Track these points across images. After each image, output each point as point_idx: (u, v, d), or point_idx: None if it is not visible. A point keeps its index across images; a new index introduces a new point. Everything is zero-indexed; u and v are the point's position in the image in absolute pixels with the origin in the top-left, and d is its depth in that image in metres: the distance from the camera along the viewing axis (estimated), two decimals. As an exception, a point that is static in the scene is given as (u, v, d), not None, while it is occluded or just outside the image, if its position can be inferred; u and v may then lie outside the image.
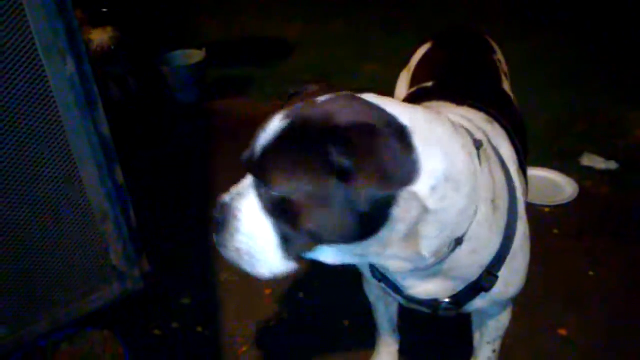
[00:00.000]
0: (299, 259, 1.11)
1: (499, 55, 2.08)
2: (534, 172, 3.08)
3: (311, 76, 4.35)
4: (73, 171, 2.04)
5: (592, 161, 3.15)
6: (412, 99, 1.75)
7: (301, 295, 2.43)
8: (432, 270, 1.22)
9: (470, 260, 1.24)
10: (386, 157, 0.96)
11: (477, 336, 1.71)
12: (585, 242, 2.60)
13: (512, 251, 1.29)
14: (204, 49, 4.24)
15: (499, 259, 1.28)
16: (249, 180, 1.11)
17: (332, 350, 2.16)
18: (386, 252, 1.11)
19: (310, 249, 1.09)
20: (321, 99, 1.07)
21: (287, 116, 1.05)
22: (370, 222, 1.02)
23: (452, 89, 1.72)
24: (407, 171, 0.99)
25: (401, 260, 1.14)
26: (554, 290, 2.33)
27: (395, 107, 1.06)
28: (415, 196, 1.02)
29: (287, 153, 1.01)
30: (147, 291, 2.49)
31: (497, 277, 1.29)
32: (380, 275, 1.40)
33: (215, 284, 2.52)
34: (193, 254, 2.74)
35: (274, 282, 2.47)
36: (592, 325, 2.16)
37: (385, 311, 1.88)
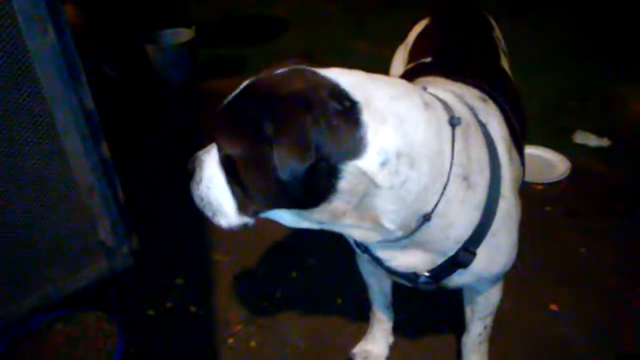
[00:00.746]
0: (253, 215, 1.16)
1: (497, 33, 2.07)
2: (526, 150, 3.05)
3: (300, 54, 4.31)
4: (57, 144, 2.02)
5: (585, 138, 3.16)
6: (410, 74, 1.74)
7: (294, 274, 2.44)
8: (404, 242, 1.24)
9: (444, 235, 1.25)
10: (310, 130, 0.99)
11: (468, 312, 1.73)
12: (578, 219, 2.62)
13: (492, 229, 1.29)
14: (193, 27, 4.17)
15: (478, 236, 1.27)
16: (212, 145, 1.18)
17: (325, 328, 2.17)
18: (343, 221, 1.15)
19: (260, 209, 1.14)
20: (279, 70, 1.12)
21: (245, 84, 1.13)
22: (311, 191, 1.06)
23: (450, 65, 1.71)
24: (350, 146, 1.03)
25: (364, 230, 1.18)
26: (546, 267, 2.35)
27: (353, 83, 1.08)
28: (360, 171, 1.05)
29: (230, 117, 1.09)
30: (139, 270, 2.49)
31: (474, 254, 1.29)
32: (363, 246, 1.40)
33: (208, 264, 2.52)
34: (186, 234, 2.73)
35: (267, 261, 2.51)
36: (583, 301, 2.18)
37: (378, 287, 1.88)
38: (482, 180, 1.25)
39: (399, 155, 1.07)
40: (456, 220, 1.23)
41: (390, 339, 2.05)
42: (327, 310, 2.25)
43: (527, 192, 2.77)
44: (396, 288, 1.91)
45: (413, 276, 1.37)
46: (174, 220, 2.83)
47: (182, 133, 3.67)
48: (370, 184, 1.08)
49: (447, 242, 1.27)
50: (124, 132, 3.70)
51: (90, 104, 2.05)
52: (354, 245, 1.50)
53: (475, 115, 1.32)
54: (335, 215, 1.13)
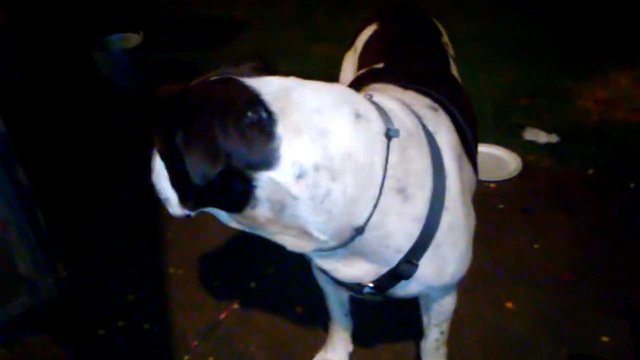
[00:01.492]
0: (192, 209, 1.18)
1: (445, 38, 2.07)
2: (478, 148, 3.11)
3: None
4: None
5: (535, 135, 3.22)
6: (362, 80, 1.73)
7: (252, 284, 2.39)
8: (342, 252, 1.23)
9: (382, 245, 1.23)
10: (218, 139, 1.01)
11: (425, 318, 1.72)
12: (530, 216, 2.66)
13: (436, 241, 1.27)
14: (141, 32, 4.05)
15: (418, 248, 1.26)
16: None
17: (285, 339, 2.14)
18: (269, 228, 1.16)
19: (194, 205, 1.17)
20: (212, 77, 1.15)
21: (178, 90, 1.15)
22: (232, 196, 1.10)
23: (401, 72, 1.70)
24: (263, 156, 1.04)
25: (294, 238, 1.18)
26: (501, 265, 2.38)
27: (276, 93, 1.08)
28: (274, 181, 1.06)
29: (158, 119, 1.12)
30: (85, 290, 2.38)
31: (416, 266, 1.28)
32: (308, 255, 1.37)
33: (162, 278, 2.44)
34: (135, 248, 2.64)
35: (224, 273, 2.45)
36: (538, 298, 2.21)
37: (335, 296, 1.86)
38: (421, 193, 1.23)
39: (317, 168, 1.06)
40: (394, 232, 1.22)
41: (350, 347, 2.03)
42: (287, 320, 2.21)
43: (480, 190, 2.77)
44: (353, 297, 1.89)
45: (358, 287, 1.35)
46: (125, 236, 2.73)
47: (131, 143, 3.56)
48: (287, 194, 1.08)
49: (388, 252, 1.25)
50: (62, 145, 3.57)
51: (0, 127, 1.90)
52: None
53: (423, 125, 1.30)
54: (260, 221, 1.14)
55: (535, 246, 2.47)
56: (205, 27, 5.15)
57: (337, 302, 1.89)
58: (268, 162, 1.04)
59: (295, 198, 1.08)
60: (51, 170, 2.81)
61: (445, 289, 1.51)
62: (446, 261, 1.34)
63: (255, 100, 1.06)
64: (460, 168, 1.36)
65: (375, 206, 1.15)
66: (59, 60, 4.26)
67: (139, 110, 3.93)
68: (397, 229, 1.22)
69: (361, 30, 2.09)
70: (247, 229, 1.22)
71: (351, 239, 1.18)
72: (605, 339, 2.02)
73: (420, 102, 1.42)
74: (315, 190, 1.08)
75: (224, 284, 2.40)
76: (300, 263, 1.60)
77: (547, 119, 3.35)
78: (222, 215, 1.20)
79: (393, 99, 1.30)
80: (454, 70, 1.94)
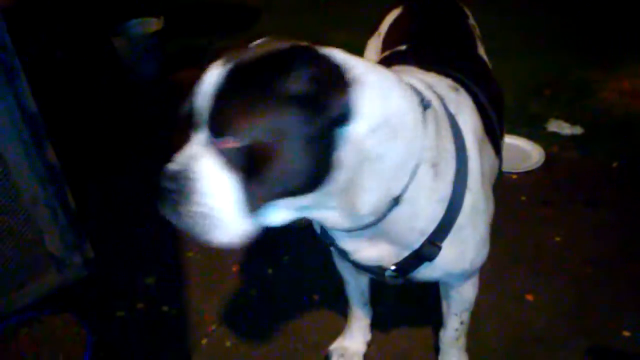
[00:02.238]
0: (255, 217, 1.07)
1: (472, 20, 2.04)
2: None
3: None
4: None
5: (558, 127, 3.17)
6: (385, 62, 1.71)
7: (270, 271, 2.39)
8: (370, 232, 1.21)
9: (409, 225, 1.23)
10: (338, 79, 0.98)
11: (444, 307, 1.71)
12: (552, 208, 2.62)
13: (458, 223, 1.26)
14: (162, 17, 4.04)
15: (443, 229, 1.25)
16: (198, 139, 1.04)
17: (302, 325, 2.13)
18: (328, 202, 1.11)
19: (266, 201, 1.05)
20: (255, 43, 1.09)
21: (226, 63, 1.03)
22: (323, 162, 1.03)
23: (424, 53, 1.68)
24: (343, 106, 0.99)
25: (339, 214, 1.14)
26: (522, 257, 2.35)
27: (338, 54, 1.07)
28: (355, 136, 1.03)
29: (241, 95, 0.99)
30: (107, 271, 2.40)
31: (439, 248, 1.27)
32: (330, 239, 1.37)
33: (181, 262, 2.46)
34: (158, 232, 2.65)
35: (242, 258, 2.45)
36: (559, 291, 2.18)
37: (355, 284, 1.85)
38: (448, 171, 1.23)
39: (386, 123, 1.07)
40: (422, 210, 1.21)
41: (368, 336, 2.02)
42: (304, 307, 2.21)
43: (502, 182, 2.76)
44: (373, 284, 1.88)
45: (379, 270, 1.34)
46: (146, 219, 2.75)
47: (150, 128, 3.57)
48: (360, 154, 1.05)
49: (412, 234, 1.25)
50: (87, 129, 3.60)
51: (31, 104, 1.90)
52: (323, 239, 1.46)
53: (445, 106, 1.29)
54: (326, 196, 1.09)
55: (557, 239, 2.43)
56: (223, 13, 5.14)
57: (356, 291, 1.88)
58: (349, 112, 1.01)
59: (366, 158, 1.06)
60: (72, 154, 2.83)
61: (464, 276, 1.50)
62: (466, 245, 1.33)
63: (333, 56, 1.04)
64: (481, 150, 1.35)
65: (412, 175, 1.15)
66: (79, 45, 4.28)
67: (158, 95, 3.95)
68: (425, 208, 1.21)
69: (386, 14, 2.07)
70: (295, 214, 1.14)
71: (384, 215, 1.16)
72: (626, 333, 1.99)
73: (441, 83, 1.40)
74: (379, 147, 1.07)
75: (241, 270, 2.41)
76: (317, 251, 1.59)
77: (570, 110, 3.29)
78: (279, 207, 1.09)
79: (416, 79, 1.29)
80: (481, 51, 1.91)
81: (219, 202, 1.03)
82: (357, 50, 2.28)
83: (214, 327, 2.15)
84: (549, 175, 2.84)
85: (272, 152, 0.98)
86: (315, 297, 2.25)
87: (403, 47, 1.78)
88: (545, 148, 2.99)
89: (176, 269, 2.43)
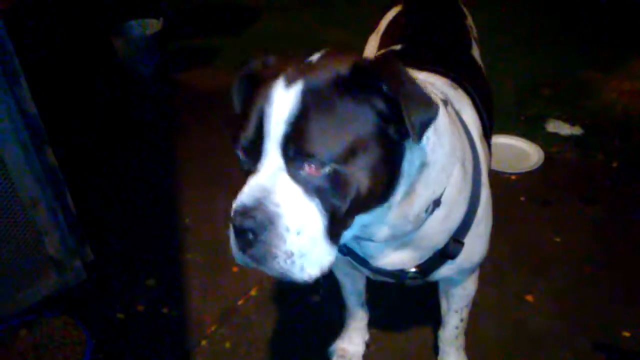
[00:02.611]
0: (338, 243, 1.03)
1: (470, 21, 2.04)
2: (500, 139, 3.08)
3: (276, 43, 4.23)
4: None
5: (557, 127, 3.17)
6: None
7: (269, 271, 2.39)
8: (405, 239, 1.22)
9: (442, 227, 1.24)
10: (422, 95, 0.96)
11: (444, 305, 1.71)
12: (551, 209, 2.62)
13: (477, 218, 1.30)
14: (161, 19, 4.05)
15: (465, 225, 1.28)
16: (272, 168, 0.96)
17: (301, 327, 2.13)
18: (385, 215, 1.10)
19: (347, 224, 1.02)
20: (315, 56, 1.02)
21: (291, 81, 0.95)
22: (396, 173, 1.03)
23: (419, 53, 1.69)
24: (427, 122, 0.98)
25: (388, 226, 1.14)
26: (521, 257, 2.35)
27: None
28: (419, 145, 1.04)
29: (323, 117, 0.93)
30: (106, 273, 2.40)
31: (462, 244, 1.29)
32: (346, 249, 1.37)
33: (180, 264, 2.46)
34: (157, 235, 2.66)
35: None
36: (558, 291, 2.19)
37: (352, 287, 1.85)
38: (470, 168, 1.26)
39: (435, 130, 1.09)
40: (455, 210, 1.24)
41: (366, 336, 2.02)
42: (304, 308, 2.21)
43: (501, 182, 2.77)
44: (369, 285, 1.88)
45: (400, 273, 1.34)
46: (145, 222, 2.75)
47: (150, 129, 3.57)
48: (420, 160, 1.07)
49: (442, 236, 1.27)
50: (87, 129, 3.60)
51: (31, 107, 1.91)
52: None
53: (452, 104, 1.29)
54: (385, 209, 1.08)
55: (557, 239, 2.43)
56: (222, 13, 5.14)
57: (353, 292, 1.88)
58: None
59: (423, 165, 1.07)
60: (72, 155, 2.83)
61: (471, 271, 1.52)
62: (480, 239, 1.37)
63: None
64: (483, 146, 1.38)
65: (450, 176, 1.17)
66: (78, 44, 4.28)
67: (158, 96, 3.95)
68: (458, 207, 1.24)
69: (386, 12, 2.07)
70: (356, 232, 1.11)
71: (423, 222, 1.18)
72: (626, 334, 1.99)
73: (440, 81, 1.42)
74: (432, 154, 1.08)
75: (241, 271, 2.40)
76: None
77: (570, 111, 3.29)
78: (354, 227, 1.05)
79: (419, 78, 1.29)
80: (475, 52, 1.91)
81: (309, 236, 0.96)
82: (356, 48, 2.29)
83: (213, 328, 2.15)
84: (549, 175, 2.84)
85: (356, 172, 0.95)
86: (316, 298, 2.24)
87: (398, 47, 1.78)
88: (544, 148, 2.99)
89: (176, 271, 2.43)
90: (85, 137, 3.46)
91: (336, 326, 2.07)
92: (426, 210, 1.15)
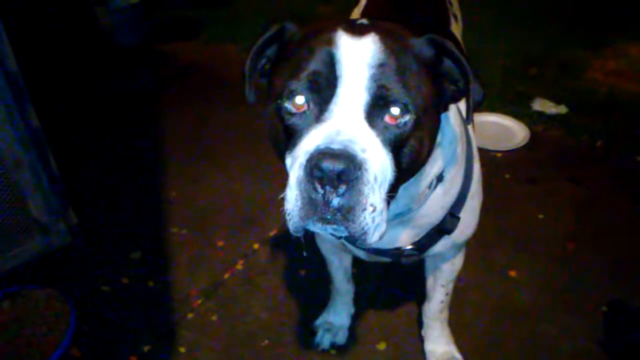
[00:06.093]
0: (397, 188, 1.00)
1: None
2: (486, 117, 3.09)
3: (262, 17, 4.15)
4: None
5: (543, 106, 3.18)
6: None
7: (256, 246, 2.39)
8: (405, 217, 1.24)
9: (441, 204, 1.26)
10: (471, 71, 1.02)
11: (430, 280, 1.73)
12: (536, 186, 2.65)
13: (470, 192, 1.33)
14: (145, -12, 3.95)
15: (460, 200, 1.30)
16: (350, 115, 0.91)
17: (288, 300, 2.14)
18: (403, 191, 1.08)
19: (397, 191, 1.01)
20: (361, 21, 1.06)
21: (359, 33, 0.94)
22: (435, 139, 1.09)
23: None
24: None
25: (397, 204, 1.14)
26: (505, 234, 2.37)
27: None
28: (448, 116, 1.14)
29: (404, 67, 0.94)
30: (91, 245, 2.38)
31: (458, 219, 1.31)
32: None
33: (166, 237, 2.44)
34: (141, 208, 2.63)
35: (228, 233, 2.44)
36: (542, 267, 2.22)
37: (339, 263, 1.86)
38: (463, 144, 1.27)
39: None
40: (454, 185, 1.27)
41: (352, 309, 2.04)
42: (290, 282, 2.22)
43: (487, 159, 2.79)
44: (356, 260, 1.89)
45: (397, 252, 1.35)
46: (129, 194, 2.72)
47: (132, 99, 3.51)
48: (449, 132, 1.17)
49: (440, 212, 1.28)
50: (68, 99, 3.53)
51: (13, 64, 1.85)
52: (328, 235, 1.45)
53: None
54: (417, 182, 1.14)
55: (540, 216, 2.46)
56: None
57: (340, 269, 1.88)
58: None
59: (449, 138, 1.15)
60: (56, 127, 2.77)
61: (460, 246, 1.55)
62: (473, 213, 1.40)
63: None
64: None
65: (454, 151, 1.21)
66: (62, 12, 4.16)
67: (141, 66, 3.88)
68: (456, 183, 1.27)
69: None
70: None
71: (427, 198, 1.20)
72: (605, 308, 2.03)
73: None
74: (446, 128, 1.15)
75: (227, 245, 2.40)
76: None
77: (556, 90, 3.31)
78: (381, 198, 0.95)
79: None
80: (454, 28, 1.90)
81: (385, 191, 0.92)
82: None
83: (199, 301, 2.15)
84: (534, 153, 2.86)
85: (424, 129, 0.97)
86: (302, 272, 2.26)
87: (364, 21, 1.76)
88: (530, 127, 3.01)
89: (161, 245, 2.41)
90: (69, 110, 3.39)
91: (322, 300, 2.08)
92: (429, 186, 1.18)
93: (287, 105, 0.95)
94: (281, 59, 1.02)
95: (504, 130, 3.03)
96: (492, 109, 3.13)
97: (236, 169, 2.82)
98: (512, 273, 2.20)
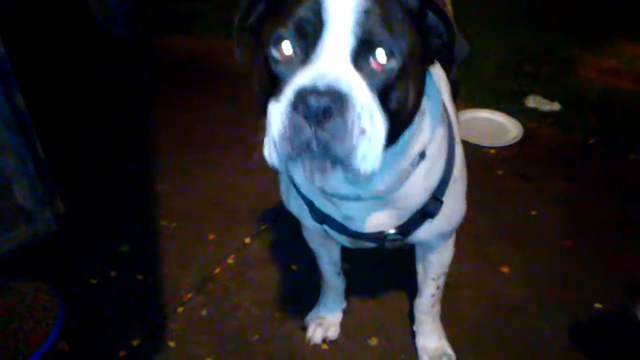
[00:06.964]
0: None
1: None
2: (479, 113, 3.09)
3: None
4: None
5: (537, 103, 3.19)
6: None
7: (247, 240, 2.36)
8: (388, 198, 1.23)
9: (424, 184, 1.26)
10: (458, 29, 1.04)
11: (420, 273, 1.71)
12: (529, 183, 2.64)
13: (453, 176, 1.33)
14: (137, -21, 3.91)
15: (443, 182, 1.30)
16: (335, 58, 0.92)
17: (279, 295, 2.12)
18: (390, 161, 1.11)
19: (398, 135, 1.06)
20: None
21: None
22: (422, 93, 1.09)
23: None
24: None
25: (384, 178, 1.15)
26: (498, 230, 2.37)
27: None
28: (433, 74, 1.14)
29: (392, 12, 0.97)
30: (78, 237, 2.34)
31: (441, 202, 1.31)
32: (322, 216, 1.36)
33: (155, 230, 2.41)
34: (131, 200, 2.60)
35: (219, 227, 2.42)
36: (534, 264, 2.21)
37: (328, 257, 1.85)
38: (445, 125, 1.27)
39: (429, 75, 1.15)
40: (437, 165, 1.26)
41: (344, 304, 2.02)
42: (281, 277, 2.20)
43: (479, 155, 2.78)
44: (346, 255, 1.87)
45: (380, 235, 1.35)
46: (119, 186, 2.69)
47: (125, 92, 3.47)
48: (431, 90, 1.16)
49: (423, 194, 1.28)
50: (60, 91, 3.49)
51: None
52: (307, 221, 1.45)
53: None
54: (407, 139, 1.13)
55: (533, 213, 2.46)
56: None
57: (329, 263, 1.87)
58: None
59: (424, 109, 1.12)
60: (45, 111, 2.73)
61: (448, 235, 1.54)
62: (458, 198, 1.39)
63: None
64: (453, 107, 1.44)
65: (436, 127, 1.20)
66: (53, 5, 4.10)
67: (135, 59, 3.84)
68: (439, 162, 1.26)
69: None
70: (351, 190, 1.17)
71: (409, 174, 1.19)
72: (598, 305, 2.03)
73: None
74: (429, 101, 1.14)
75: (218, 239, 2.38)
76: (295, 221, 1.58)
77: (550, 87, 3.31)
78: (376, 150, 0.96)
79: None
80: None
81: (374, 125, 0.93)
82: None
83: (189, 296, 2.12)
84: (527, 150, 2.86)
85: (410, 78, 0.98)
86: (293, 266, 2.24)
87: None
88: (523, 123, 3.01)
89: (151, 238, 2.38)
90: (62, 101, 3.35)
91: (314, 295, 2.06)
92: (412, 164, 1.18)
93: (274, 52, 0.97)
94: (270, 12, 1.04)
95: (498, 126, 3.03)
96: (485, 105, 3.12)
97: (228, 162, 2.79)
98: (505, 269, 2.19)
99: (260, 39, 1.03)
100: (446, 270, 1.69)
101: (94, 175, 2.76)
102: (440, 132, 1.23)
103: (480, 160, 2.74)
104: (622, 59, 3.60)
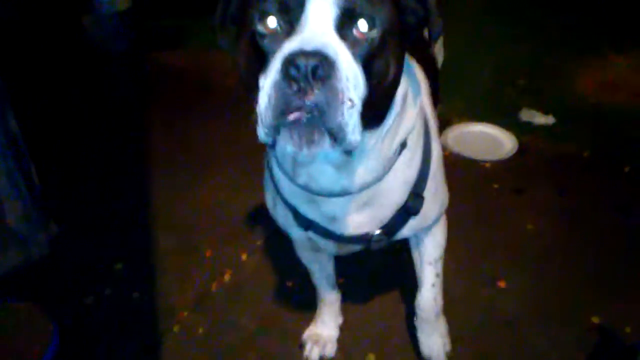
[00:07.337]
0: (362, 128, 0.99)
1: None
2: (474, 127, 3.10)
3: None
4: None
5: (531, 116, 3.20)
6: None
7: (243, 257, 2.36)
8: (369, 194, 1.25)
9: (404, 177, 1.29)
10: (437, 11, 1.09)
11: (417, 261, 1.68)
12: (524, 196, 2.65)
13: (432, 171, 1.36)
14: (131, -4, 3.93)
15: (422, 177, 1.33)
16: (319, 28, 0.94)
17: (276, 313, 2.11)
18: (373, 149, 1.15)
19: (381, 110, 1.10)
20: None
21: None
22: (402, 66, 1.11)
23: None
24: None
25: (367, 168, 1.19)
26: (494, 244, 2.37)
27: None
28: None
29: None
30: (73, 256, 2.33)
31: (423, 198, 1.34)
32: (307, 222, 1.36)
33: (151, 248, 2.40)
34: (125, 217, 2.59)
35: (215, 243, 2.41)
36: (530, 278, 2.21)
37: (321, 272, 1.85)
38: (421, 121, 1.32)
39: (407, 62, 1.17)
40: (415, 157, 1.30)
41: (340, 319, 2.01)
42: (278, 293, 2.19)
43: (475, 169, 2.79)
44: (341, 269, 1.87)
45: (366, 237, 1.36)
46: (113, 203, 2.68)
47: (117, 107, 3.48)
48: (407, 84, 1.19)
49: (404, 188, 1.31)
50: (53, 106, 3.49)
51: None
52: (295, 232, 1.46)
53: None
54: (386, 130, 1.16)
55: (529, 227, 2.46)
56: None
57: (323, 277, 1.87)
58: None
59: (405, 93, 1.16)
60: (40, 134, 2.73)
61: (437, 219, 1.55)
62: (439, 190, 1.43)
63: None
64: (432, 106, 1.48)
65: (416, 116, 1.25)
66: (48, 20, 4.13)
67: (127, 74, 3.85)
68: (417, 154, 1.30)
69: None
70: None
71: (391, 166, 1.23)
72: (595, 319, 2.03)
73: None
74: (410, 85, 1.20)
75: (214, 256, 2.37)
76: (287, 240, 1.58)
77: (544, 100, 3.33)
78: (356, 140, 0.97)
79: None
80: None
81: (359, 97, 0.94)
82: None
83: (186, 313, 2.11)
84: (522, 163, 2.87)
85: (391, 50, 1.01)
86: (289, 283, 2.23)
87: None
88: (518, 137, 3.02)
89: (146, 255, 2.37)
90: (54, 118, 3.35)
91: (310, 311, 2.05)
92: (395, 153, 1.22)
93: (260, 27, 0.99)
94: None
95: (492, 140, 3.04)
96: (480, 119, 3.14)
97: (223, 178, 2.79)
98: (501, 284, 2.19)
99: (244, 21, 1.04)
100: (442, 253, 1.67)
101: (89, 193, 2.75)
102: (419, 123, 1.29)
103: (475, 174, 2.75)
104: (615, 72, 3.63)
